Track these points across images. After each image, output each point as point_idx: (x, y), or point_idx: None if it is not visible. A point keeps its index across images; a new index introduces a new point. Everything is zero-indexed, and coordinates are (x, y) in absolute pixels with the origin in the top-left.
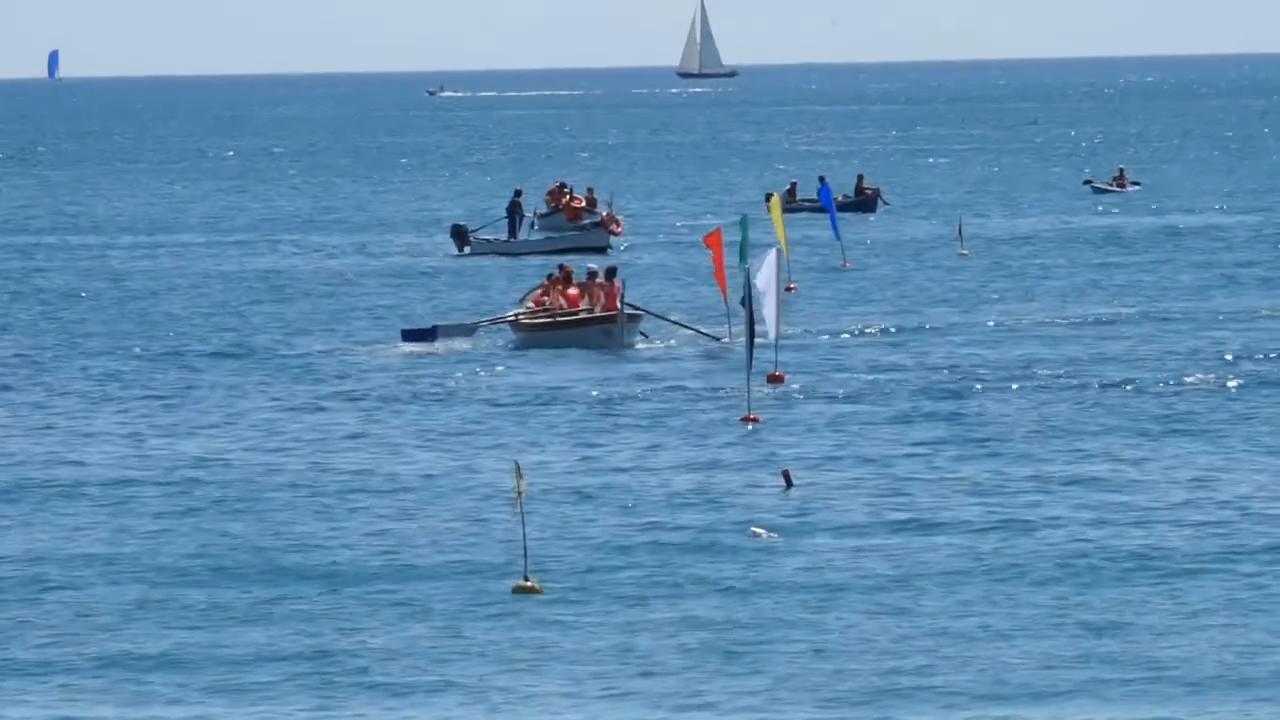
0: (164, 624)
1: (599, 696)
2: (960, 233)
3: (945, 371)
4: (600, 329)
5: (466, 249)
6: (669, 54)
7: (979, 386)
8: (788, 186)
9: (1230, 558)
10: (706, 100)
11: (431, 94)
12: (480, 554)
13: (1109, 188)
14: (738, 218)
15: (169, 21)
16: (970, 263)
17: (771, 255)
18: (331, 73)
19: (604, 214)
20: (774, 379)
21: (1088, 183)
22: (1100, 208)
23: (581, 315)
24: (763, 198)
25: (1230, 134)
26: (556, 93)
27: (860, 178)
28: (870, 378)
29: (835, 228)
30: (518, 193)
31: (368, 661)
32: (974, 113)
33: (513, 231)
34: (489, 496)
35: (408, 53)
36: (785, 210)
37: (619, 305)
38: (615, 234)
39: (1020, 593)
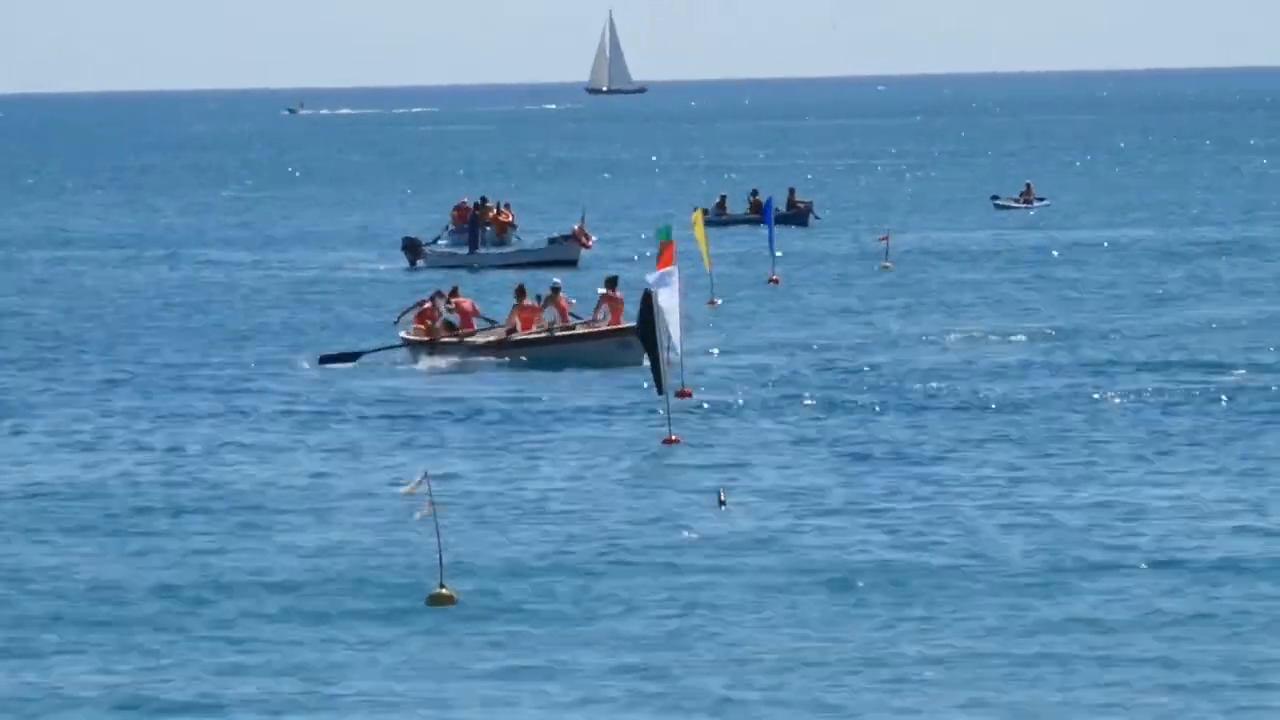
0: (70, 639)
1: (515, 705)
2: (887, 247)
3: (871, 385)
4: (617, 341)
5: (420, 262)
6: (580, 70)
7: (899, 400)
8: (717, 200)
9: (1148, 571)
10: (617, 114)
11: (291, 112)
12: (396, 563)
13: (1014, 204)
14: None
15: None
16: (891, 276)
17: (673, 272)
18: (188, 90)
19: (575, 227)
20: (682, 394)
21: (994, 198)
22: (1007, 223)
23: (599, 329)
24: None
25: (1152, 153)
26: (407, 110)
27: (792, 191)
28: (791, 392)
29: (771, 243)
30: (478, 205)
31: (285, 671)
32: (891, 130)
33: (474, 244)
34: (405, 509)
35: (261, 69)
36: (717, 223)
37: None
38: (586, 248)
39: (946, 601)
